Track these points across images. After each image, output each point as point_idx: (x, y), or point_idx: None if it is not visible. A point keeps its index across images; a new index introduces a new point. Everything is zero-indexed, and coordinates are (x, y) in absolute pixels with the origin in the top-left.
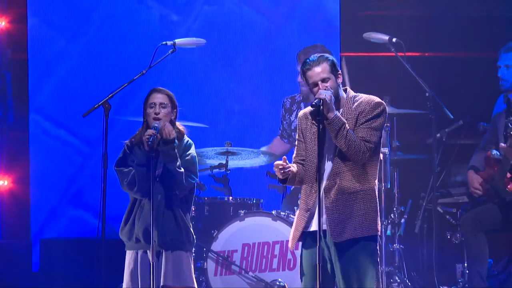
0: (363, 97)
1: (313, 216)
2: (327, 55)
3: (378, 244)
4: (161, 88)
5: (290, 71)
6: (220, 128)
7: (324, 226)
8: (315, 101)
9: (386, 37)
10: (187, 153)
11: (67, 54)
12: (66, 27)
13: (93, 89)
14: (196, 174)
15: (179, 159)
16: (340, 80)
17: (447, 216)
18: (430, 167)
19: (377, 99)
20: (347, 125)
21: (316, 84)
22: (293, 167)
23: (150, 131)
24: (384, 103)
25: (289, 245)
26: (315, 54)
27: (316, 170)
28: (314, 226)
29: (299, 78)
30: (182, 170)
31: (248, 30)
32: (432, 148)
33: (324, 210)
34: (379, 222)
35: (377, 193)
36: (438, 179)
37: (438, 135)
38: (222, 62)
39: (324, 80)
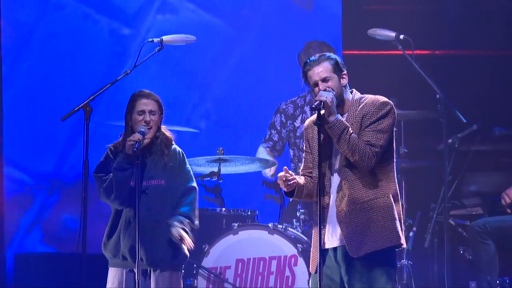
0: (368, 98)
1: (325, 230)
2: (329, 54)
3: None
4: (148, 92)
5: (288, 73)
6: (211, 134)
7: (335, 243)
8: (314, 104)
9: (393, 34)
10: (184, 167)
11: (9, 79)
12: (7, 50)
13: (38, 114)
14: (195, 188)
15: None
16: (345, 81)
17: (460, 229)
18: (441, 175)
19: (383, 99)
20: (350, 129)
21: (316, 84)
22: (300, 179)
23: (135, 136)
24: (391, 102)
25: (310, 268)
26: (318, 54)
27: (325, 182)
28: (328, 244)
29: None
30: (197, 223)
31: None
32: (443, 155)
33: (337, 225)
34: (401, 231)
35: (393, 199)
36: (449, 189)
37: (450, 140)
38: (213, 61)
39: (324, 80)
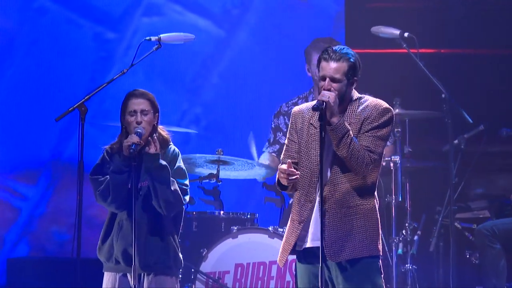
0: (369, 100)
1: (308, 229)
2: (352, 54)
3: (380, 265)
4: (140, 91)
5: (291, 71)
6: (210, 134)
7: (318, 243)
8: (316, 104)
9: (397, 32)
10: (175, 164)
11: None
12: None
13: (23, 121)
14: (188, 185)
15: (172, 180)
16: (353, 87)
17: (466, 233)
18: (446, 177)
19: (385, 104)
20: (351, 132)
21: (324, 79)
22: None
23: (133, 138)
24: (392, 109)
25: (278, 259)
26: (342, 47)
27: (312, 177)
28: (310, 242)
29: (307, 70)
30: (178, 189)
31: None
32: (449, 156)
33: (319, 224)
34: (380, 242)
35: (377, 208)
36: (455, 191)
37: (456, 141)
38: (212, 59)
39: (333, 80)
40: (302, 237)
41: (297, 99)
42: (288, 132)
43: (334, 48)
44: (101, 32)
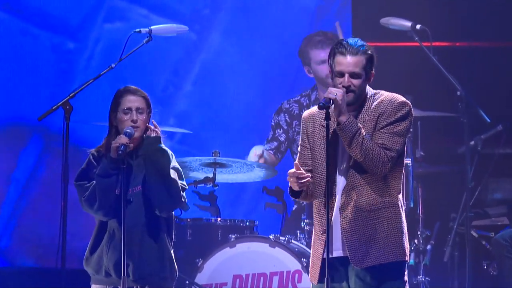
0: (384, 95)
1: (328, 238)
2: (368, 46)
3: (406, 272)
4: (135, 88)
5: (291, 67)
6: (206, 135)
7: (338, 253)
8: (322, 101)
9: (409, 24)
10: (171, 165)
11: None
12: None
13: None
14: (186, 185)
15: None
16: (369, 82)
17: (483, 242)
18: (462, 181)
19: (401, 98)
20: (363, 130)
21: (342, 75)
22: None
23: (121, 139)
24: (410, 103)
25: (310, 277)
26: (356, 39)
27: (331, 183)
28: (333, 252)
29: (307, 71)
30: (178, 180)
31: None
32: (465, 159)
33: (340, 232)
34: (407, 245)
35: (402, 210)
36: (472, 197)
37: (472, 142)
38: (207, 54)
39: (353, 76)
40: (328, 246)
41: (299, 96)
42: (300, 139)
43: (349, 41)
44: (59, 43)
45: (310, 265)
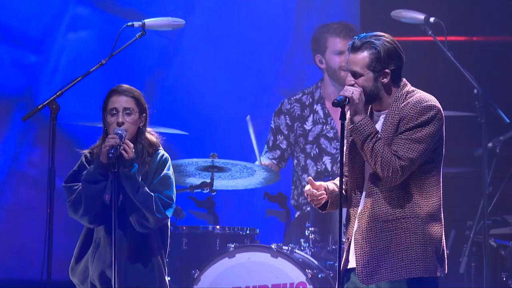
0: (414, 96)
1: (349, 248)
2: (377, 42)
3: None
4: (124, 86)
5: (295, 62)
6: (203, 136)
7: (353, 264)
8: (338, 98)
9: (422, 16)
10: (162, 172)
11: None
12: None
13: None
14: (172, 199)
15: (143, 186)
16: (386, 80)
17: (502, 252)
18: (479, 186)
19: (429, 102)
20: (378, 134)
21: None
22: (329, 185)
23: (110, 140)
24: (439, 106)
25: None
26: (364, 35)
27: (355, 190)
28: (352, 262)
29: (317, 61)
30: (152, 196)
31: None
32: (482, 162)
33: (353, 243)
34: (433, 262)
35: (433, 221)
36: (490, 203)
37: (490, 144)
38: (206, 50)
39: (354, 75)
40: (346, 257)
41: (301, 94)
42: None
43: (359, 36)
44: (19, 56)
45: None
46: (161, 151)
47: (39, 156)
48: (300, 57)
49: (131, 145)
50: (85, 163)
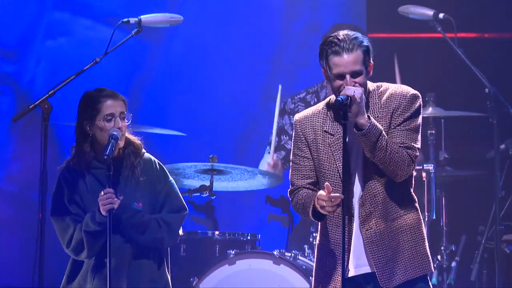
0: (390, 87)
1: (349, 254)
2: (361, 37)
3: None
4: (112, 91)
5: (294, 63)
6: (202, 138)
7: (364, 269)
8: (340, 97)
9: (431, 12)
10: (166, 181)
11: None
12: None
13: None
14: (184, 207)
15: (145, 225)
16: (371, 73)
17: None
18: (491, 190)
19: (411, 90)
20: (384, 132)
21: (342, 77)
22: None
23: (111, 201)
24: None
25: None
26: (347, 33)
27: (345, 194)
28: (352, 270)
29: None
30: (158, 229)
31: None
32: (494, 164)
33: (364, 246)
34: (430, 255)
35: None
36: (502, 207)
37: (502, 146)
38: (205, 48)
39: (354, 74)
40: (345, 265)
41: (305, 93)
42: (294, 147)
43: (339, 37)
44: None
45: (313, 279)
46: (148, 155)
47: (18, 172)
48: (297, 57)
49: (118, 201)
50: (63, 185)
